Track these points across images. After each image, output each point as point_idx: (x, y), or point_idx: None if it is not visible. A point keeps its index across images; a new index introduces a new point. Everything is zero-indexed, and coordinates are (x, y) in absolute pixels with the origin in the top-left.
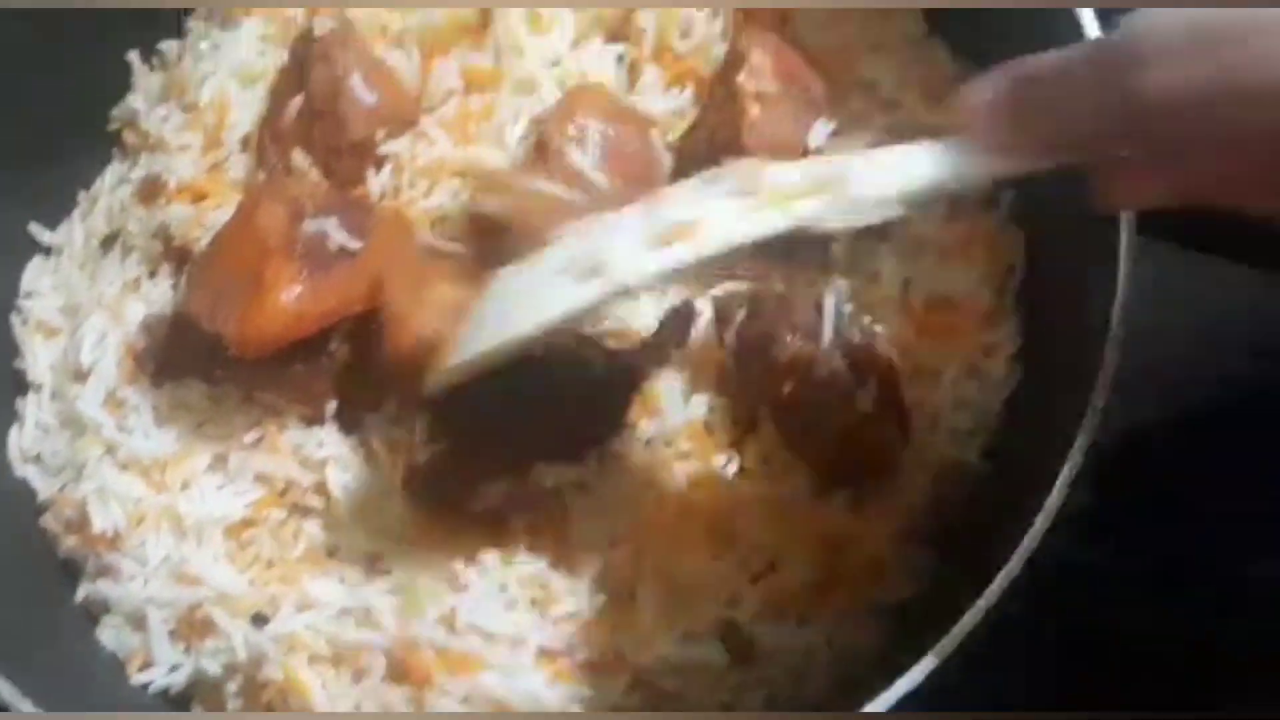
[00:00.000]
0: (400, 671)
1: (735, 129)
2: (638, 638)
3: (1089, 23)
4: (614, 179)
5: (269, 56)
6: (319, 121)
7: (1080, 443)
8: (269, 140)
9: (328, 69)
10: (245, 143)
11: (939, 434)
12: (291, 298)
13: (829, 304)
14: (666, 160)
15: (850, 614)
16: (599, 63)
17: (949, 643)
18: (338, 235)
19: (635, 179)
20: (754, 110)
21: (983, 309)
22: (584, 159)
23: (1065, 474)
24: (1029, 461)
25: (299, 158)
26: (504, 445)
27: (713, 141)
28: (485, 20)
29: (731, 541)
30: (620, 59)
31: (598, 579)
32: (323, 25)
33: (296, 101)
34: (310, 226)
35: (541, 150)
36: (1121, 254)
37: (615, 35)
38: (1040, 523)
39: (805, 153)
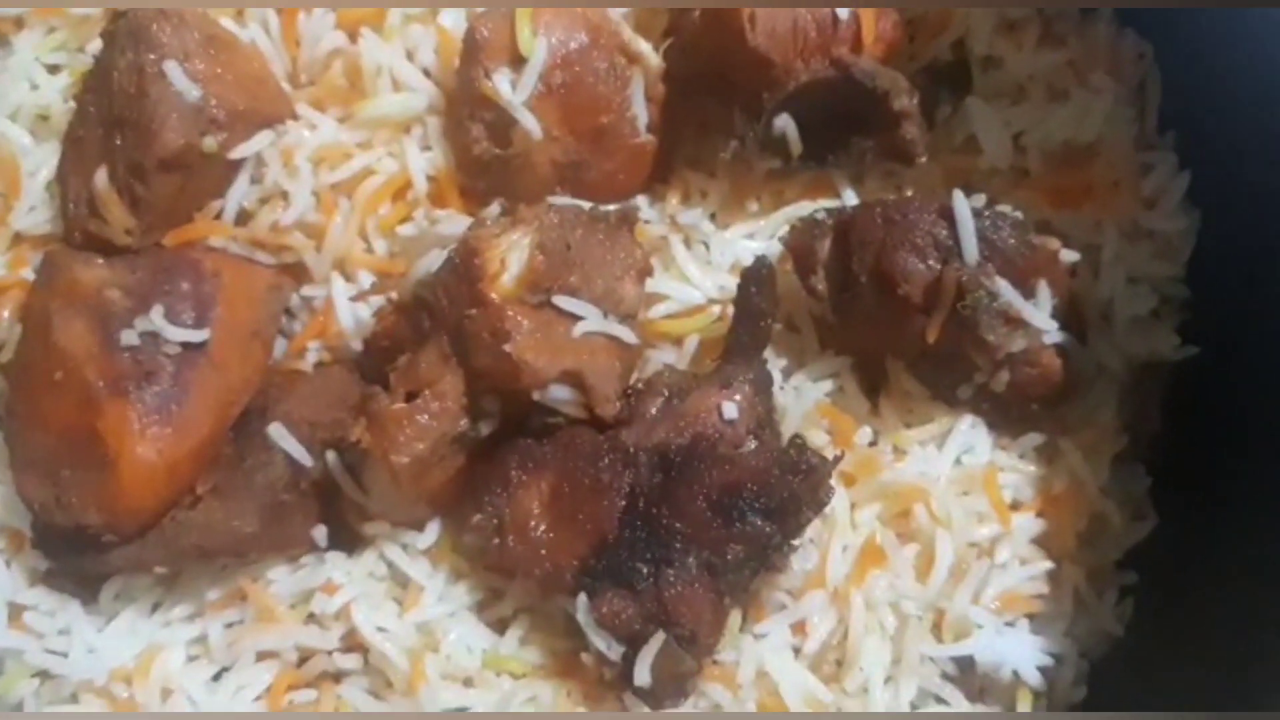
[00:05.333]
0: None
1: (733, 32)
2: None
3: None
4: (558, 127)
5: (61, 76)
6: (120, 132)
7: None
8: (69, 168)
9: (134, 57)
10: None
11: (1118, 326)
12: (153, 453)
13: (962, 204)
14: (643, 114)
15: (1086, 593)
16: None
17: None
18: (173, 333)
19: (591, 134)
20: None
21: (1124, 148)
22: (514, 92)
23: None
24: (1250, 333)
25: (101, 183)
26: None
27: (704, 52)
28: None
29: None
30: None
31: None
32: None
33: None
34: (130, 336)
35: (464, 77)
36: None
37: None
38: None
39: None
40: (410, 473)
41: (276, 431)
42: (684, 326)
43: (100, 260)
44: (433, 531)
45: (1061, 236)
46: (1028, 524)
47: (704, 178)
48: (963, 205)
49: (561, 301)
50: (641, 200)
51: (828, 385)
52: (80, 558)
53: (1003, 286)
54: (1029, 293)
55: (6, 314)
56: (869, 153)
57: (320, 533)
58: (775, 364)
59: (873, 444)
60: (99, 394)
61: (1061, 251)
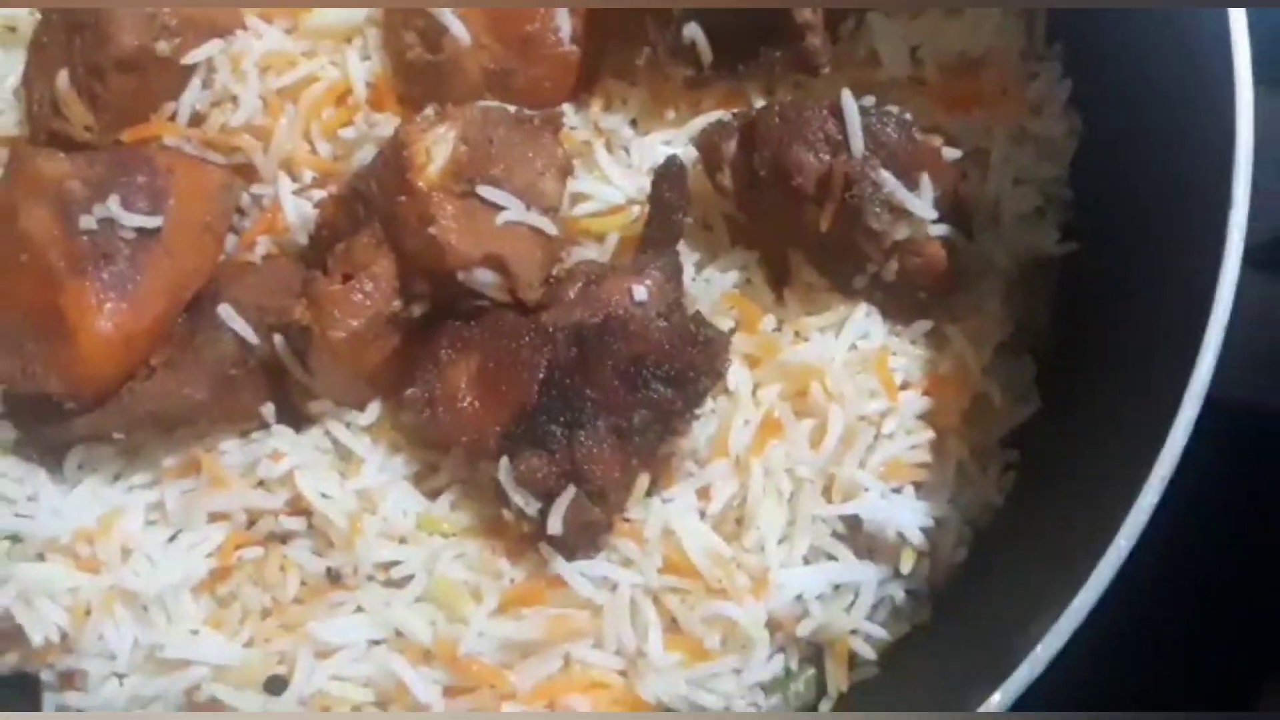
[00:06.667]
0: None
1: None
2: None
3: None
4: (486, 34)
5: None
6: (79, 34)
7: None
8: (34, 73)
9: None
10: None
11: (1004, 224)
12: (109, 325)
13: (849, 103)
14: (566, 25)
15: (970, 466)
16: None
17: None
18: (128, 219)
19: (518, 41)
20: None
21: (1013, 58)
22: None
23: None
24: (1126, 230)
25: (63, 84)
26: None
27: None
28: None
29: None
30: None
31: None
32: None
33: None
34: (89, 221)
35: None
36: None
37: None
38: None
39: None
40: (347, 348)
41: (225, 312)
42: (605, 225)
43: (62, 155)
44: (374, 410)
45: (953, 140)
46: (914, 400)
47: (625, 86)
48: (850, 103)
49: (485, 192)
50: (567, 107)
51: (735, 277)
52: (45, 426)
53: (885, 178)
54: (912, 184)
55: None
56: (777, 64)
57: (269, 409)
58: (689, 258)
59: (776, 330)
60: (60, 273)
61: (943, 149)
